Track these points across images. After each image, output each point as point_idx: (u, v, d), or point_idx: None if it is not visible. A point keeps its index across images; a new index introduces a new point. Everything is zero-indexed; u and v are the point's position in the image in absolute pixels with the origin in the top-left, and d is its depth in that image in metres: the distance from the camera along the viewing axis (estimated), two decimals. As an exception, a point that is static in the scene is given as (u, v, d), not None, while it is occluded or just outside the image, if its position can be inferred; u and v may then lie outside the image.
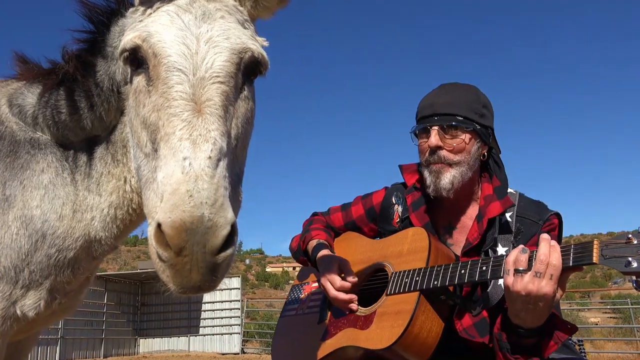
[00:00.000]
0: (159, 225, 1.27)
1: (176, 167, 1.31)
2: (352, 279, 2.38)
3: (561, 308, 2.38)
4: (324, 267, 2.47)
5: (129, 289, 23.38)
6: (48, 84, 1.91)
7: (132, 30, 1.58)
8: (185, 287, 1.32)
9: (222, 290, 22.04)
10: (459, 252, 2.39)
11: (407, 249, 2.39)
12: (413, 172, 2.61)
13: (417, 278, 2.22)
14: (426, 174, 2.42)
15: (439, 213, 2.52)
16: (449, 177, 2.34)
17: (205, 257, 1.27)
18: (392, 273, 2.37)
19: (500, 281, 2.20)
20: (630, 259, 1.75)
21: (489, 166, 2.47)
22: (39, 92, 1.92)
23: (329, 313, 2.59)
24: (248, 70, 1.58)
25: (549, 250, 1.87)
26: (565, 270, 1.87)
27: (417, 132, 2.47)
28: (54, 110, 1.90)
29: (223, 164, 1.36)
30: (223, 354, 21.77)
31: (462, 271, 2.12)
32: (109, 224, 1.91)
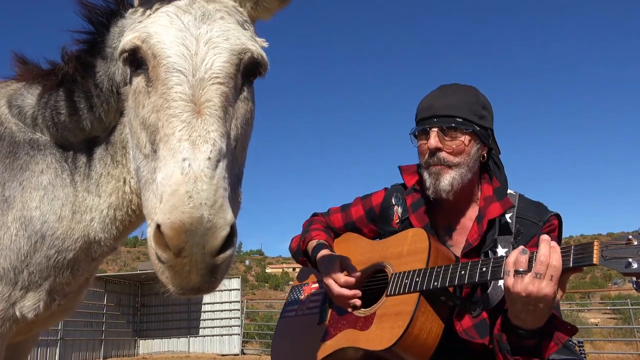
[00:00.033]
0: (158, 227, 1.27)
1: (175, 168, 1.31)
2: (356, 274, 2.38)
3: (561, 309, 2.38)
4: (325, 266, 2.47)
5: (129, 290, 23.35)
6: (47, 85, 1.91)
7: (131, 31, 1.58)
8: (184, 289, 1.31)
9: (221, 291, 22.02)
10: (458, 254, 2.39)
11: (407, 250, 2.39)
12: (413, 173, 2.61)
13: (417, 279, 2.22)
14: (426, 175, 2.42)
15: (439, 214, 2.51)
16: (448, 179, 2.33)
17: (205, 258, 1.26)
18: (392, 274, 2.37)
19: (500, 282, 2.19)
20: (630, 260, 1.75)
21: (488, 167, 2.47)
22: (39, 93, 1.92)
23: (328, 314, 2.59)
24: (247, 71, 1.58)
25: (549, 251, 1.87)
26: (566, 271, 1.87)
27: (417, 133, 2.47)
28: (53, 111, 1.89)
29: (222, 165, 1.36)
30: (223, 355, 21.75)
31: (462, 272, 2.12)
32: (109, 225, 1.91)
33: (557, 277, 1.86)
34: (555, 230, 2.34)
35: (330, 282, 2.39)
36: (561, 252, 1.88)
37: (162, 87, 1.45)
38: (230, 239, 1.30)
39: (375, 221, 2.72)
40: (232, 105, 1.51)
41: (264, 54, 1.61)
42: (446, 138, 2.35)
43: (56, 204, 1.85)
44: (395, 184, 2.74)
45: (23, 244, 1.80)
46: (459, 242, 2.45)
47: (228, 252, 1.30)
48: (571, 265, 1.86)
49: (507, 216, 2.35)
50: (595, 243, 1.85)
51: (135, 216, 1.93)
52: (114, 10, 1.85)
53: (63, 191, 1.87)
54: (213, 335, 22.53)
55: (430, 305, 2.21)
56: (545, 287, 1.85)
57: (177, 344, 23.05)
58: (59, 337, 18.67)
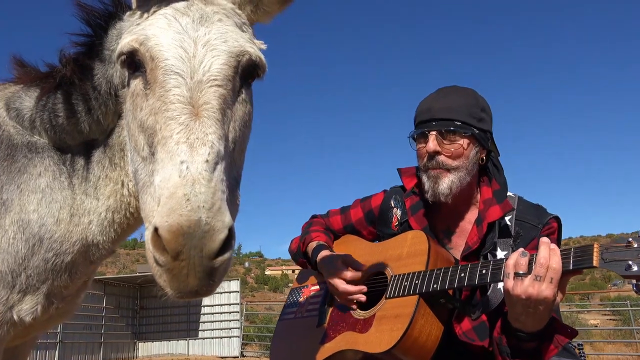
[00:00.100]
0: (155, 230, 1.26)
1: (173, 170, 1.30)
2: (362, 268, 2.38)
3: (561, 310, 2.38)
4: (328, 266, 2.46)
5: (128, 292, 23.32)
6: (45, 87, 1.90)
7: (129, 34, 1.57)
8: (182, 292, 1.31)
9: (221, 293, 21.99)
10: (458, 256, 2.38)
11: (407, 252, 2.38)
12: (412, 175, 2.61)
13: (417, 281, 2.22)
14: (424, 179, 2.41)
15: (438, 217, 2.51)
16: (447, 183, 2.33)
17: (203, 261, 1.26)
18: (392, 276, 2.36)
19: (500, 285, 2.19)
20: (630, 262, 1.75)
21: (488, 170, 2.47)
22: (37, 96, 1.91)
23: (327, 316, 2.59)
24: (246, 74, 1.57)
25: (548, 254, 1.87)
26: (566, 273, 1.87)
27: (415, 136, 2.46)
28: (51, 113, 1.89)
29: (220, 167, 1.35)
30: (222, 358, 21.71)
31: (462, 274, 2.11)
32: (107, 227, 1.91)
33: (557, 280, 1.85)
34: (555, 233, 2.33)
35: (335, 280, 2.39)
36: (561, 254, 1.88)
37: (160, 90, 1.45)
38: (228, 242, 1.29)
39: (375, 223, 2.72)
40: (230, 107, 1.50)
41: (262, 56, 1.61)
42: (445, 141, 2.34)
43: (54, 206, 1.84)
44: (394, 186, 2.74)
45: (21, 247, 1.79)
46: (458, 244, 2.44)
47: (226, 255, 1.30)
48: (571, 267, 1.86)
49: (507, 219, 2.35)
50: (595, 245, 1.84)
51: (133, 219, 1.92)
52: (112, 13, 1.85)
53: (61, 194, 1.87)
54: (212, 338, 22.49)
55: (429, 307, 2.20)
56: (545, 289, 1.84)
57: (176, 347, 23.01)
58: (58, 340, 18.63)
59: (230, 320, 22.26)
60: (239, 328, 21.90)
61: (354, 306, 2.41)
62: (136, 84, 1.55)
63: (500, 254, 2.29)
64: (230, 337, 22.10)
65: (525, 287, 1.86)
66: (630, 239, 1.78)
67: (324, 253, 2.56)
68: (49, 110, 1.89)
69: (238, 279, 23.26)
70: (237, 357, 21.53)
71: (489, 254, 2.30)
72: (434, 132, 2.35)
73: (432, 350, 2.16)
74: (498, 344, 2.10)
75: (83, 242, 1.89)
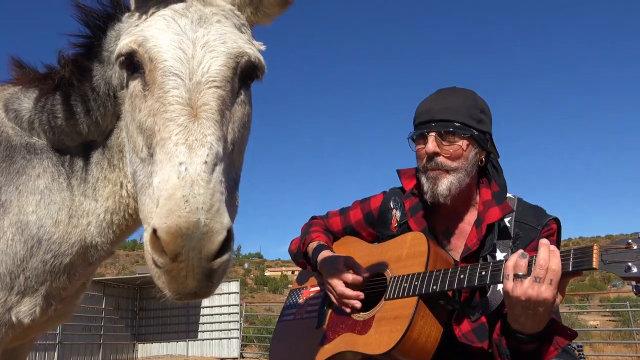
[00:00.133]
0: (154, 231, 1.26)
1: (172, 172, 1.30)
2: (365, 274, 2.38)
3: (560, 311, 2.37)
4: (329, 266, 2.46)
5: (127, 293, 23.29)
6: (44, 88, 1.90)
7: (128, 35, 1.57)
8: (180, 294, 1.30)
9: (220, 294, 21.95)
10: (457, 258, 2.38)
11: (406, 254, 2.38)
12: (411, 177, 2.61)
13: (416, 283, 2.21)
14: (423, 180, 2.41)
15: (437, 218, 2.51)
16: (446, 184, 2.33)
17: (201, 262, 1.26)
18: (391, 278, 2.36)
19: (499, 287, 2.19)
20: (630, 264, 1.74)
21: (487, 171, 2.47)
22: (35, 97, 1.91)
23: (327, 318, 2.58)
24: (245, 75, 1.57)
25: (548, 255, 1.87)
26: (565, 275, 1.87)
27: (415, 138, 2.46)
28: (50, 115, 1.89)
29: (219, 168, 1.35)
30: (222, 359, 21.69)
31: (461, 276, 2.11)
32: (105, 229, 1.90)
33: (557, 281, 1.85)
34: (554, 234, 2.33)
35: (335, 281, 2.38)
36: (560, 256, 1.88)
37: (158, 91, 1.44)
38: (227, 244, 1.29)
39: (374, 225, 2.72)
40: (229, 108, 1.50)
41: (261, 57, 1.61)
42: (444, 142, 2.34)
43: (53, 208, 1.84)
44: (393, 187, 2.74)
45: (19, 249, 1.79)
46: (457, 246, 2.44)
47: (225, 257, 1.30)
48: (570, 269, 1.85)
49: (506, 220, 2.35)
50: (595, 247, 1.84)
51: (132, 220, 1.92)
52: (110, 14, 1.85)
53: (60, 195, 1.86)
54: (212, 339, 22.47)
55: (429, 309, 2.20)
56: (545, 291, 1.84)
57: (175, 348, 22.98)
58: (57, 342, 18.60)
59: (229, 322, 22.23)
60: (238, 329, 21.88)
61: (348, 309, 2.41)
62: (135, 85, 1.55)
63: (499, 255, 2.29)
64: (229, 338, 22.08)
65: (525, 289, 1.86)
66: (630, 241, 1.78)
67: (325, 253, 2.56)
68: (47, 112, 1.89)
69: (237, 280, 23.23)
70: (237, 358, 21.51)
71: (488, 256, 2.30)
72: (433, 133, 2.35)
73: (432, 352, 2.16)
74: (498, 345, 2.09)
75: (82, 243, 1.88)
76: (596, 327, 23.94)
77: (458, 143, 2.33)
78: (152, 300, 23.07)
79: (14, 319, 1.81)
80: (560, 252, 1.89)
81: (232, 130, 1.51)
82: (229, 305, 22.34)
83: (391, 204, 2.65)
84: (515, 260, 1.92)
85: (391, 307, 2.28)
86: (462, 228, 2.45)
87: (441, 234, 2.50)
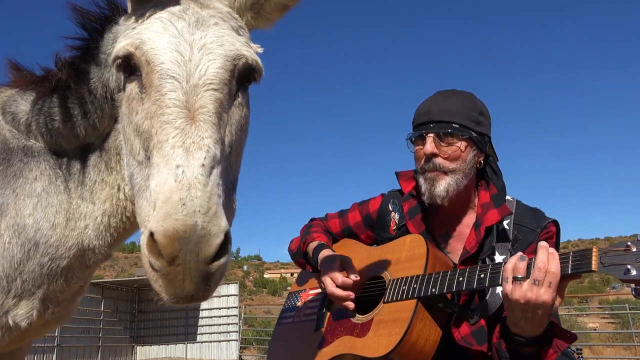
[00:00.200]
0: (151, 234, 1.26)
1: (169, 175, 1.30)
2: (355, 277, 2.36)
3: (559, 313, 2.37)
4: (326, 265, 2.45)
5: (126, 296, 23.28)
6: (41, 91, 1.89)
7: (125, 38, 1.57)
8: (178, 297, 1.30)
9: (219, 297, 21.97)
10: (456, 261, 2.38)
11: (405, 256, 2.38)
12: (409, 179, 2.60)
13: (415, 285, 2.21)
14: (421, 181, 2.41)
15: (436, 221, 2.51)
16: (444, 185, 2.33)
17: (199, 266, 1.25)
18: (390, 280, 2.35)
19: (499, 289, 2.18)
20: (629, 266, 1.74)
21: (486, 174, 2.47)
22: (32, 100, 1.91)
23: (325, 321, 2.57)
24: (242, 77, 1.57)
25: (547, 258, 1.86)
26: (564, 278, 1.86)
27: (413, 139, 2.46)
28: (47, 117, 1.88)
29: (216, 171, 1.35)
30: (221, 361, 21.69)
31: (460, 279, 2.11)
32: (103, 232, 1.90)
33: (556, 284, 1.85)
34: (553, 237, 2.33)
35: (326, 280, 2.38)
36: (560, 258, 1.87)
37: (155, 94, 1.44)
38: (224, 247, 1.28)
39: (373, 227, 2.71)
40: (227, 111, 1.50)
41: (259, 60, 1.60)
42: (442, 144, 2.34)
43: (50, 211, 1.83)
44: (392, 190, 2.74)
45: (16, 252, 1.78)
46: (456, 249, 2.44)
47: (222, 260, 1.29)
48: (569, 271, 1.85)
49: (505, 223, 2.34)
50: (594, 249, 1.84)
51: (129, 223, 1.91)
52: (108, 17, 1.85)
53: (57, 198, 1.86)
54: (211, 341, 22.46)
55: (428, 312, 2.19)
56: (544, 294, 1.83)
57: (174, 350, 22.97)
58: (55, 344, 18.58)
59: (228, 324, 22.23)
60: (237, 331, 21.86)
61: (350, 307, 2.40)
62: (132, 87, 1.54)
63: (498, 258, 2.28)
64: (228, 340, 22.07)
65: (524, 292, 1.85)
66: (629, 243, 1.78)
67: (326, 252, 2.55)
68: (44, 114, 1.88)
69: (236, 283, 23.24)
70: (236, 360, 21.50)
71: (487, 258, 2.29)
72: (432, 134, 2.35)
73: (430, 355, 2.15)
74: (497, 348, 2.09)
75: (79, 246, 1.88)
76: (595, 330, 23.95)
77: (456, 144, 2.33)
78: (150, 303, 23.01)
79: (11, 322, 1.81)
80: (559, 255, 1.88)
81: (230, 133, 1.50)
82: (228, 308, 22.33)
83: (390, 206, 2.65)
84: (514, 263, 1.92)
85: (390, 309, 2.27)
86: (461, 231, 2.45)
87: (440, 237, 2.49)
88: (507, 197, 2.42)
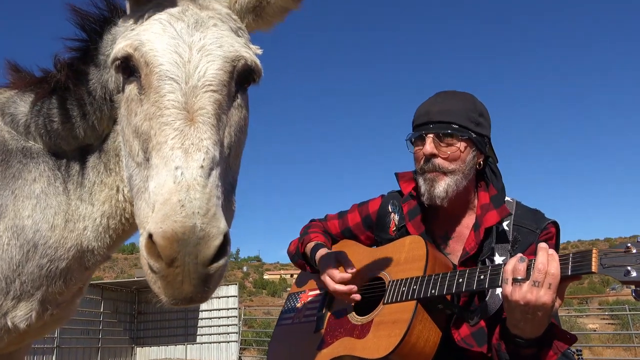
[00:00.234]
0: (150, 236, 1.25)
1: (168, 176, 1.29)
2: (351, 270, 2.37)
3: (559, 314, 2.37)
4: (323, 264, 2.46)
5: (126, 297, 23.25)
6: (40, 92, 1.89)
7: (123, 39, 1.56)
8: (176, 299, 1.29)
9: (219, 298, 21.95)
10: (456, 262, 2.38)
11: (405, 258, 2.37)
12: (409, 180, 2.61)
13: (415, 287, 2.21)
14: (421, 181, 2.41)
15: (435, 222, 2.51)
16: (443, 186, 2.33)
17: (197, 268, 1.25)
18: (389, 281, 2.35)
19: (498, 291, 2.18)
20: (629, 268, 1.73)
21: (485, 175, 2.47)
22: (31, 101, 1.91)
23: (325, 322, 2.57)
24: (241, 79, 1.57)
25: (547, 260, 1.86)
26: (564, 279, 1.86)
27: (413, 139, 2.47)
28: (46, 119, 1.88)
29: (215, 173, 1.35)
30: (220, 363, 21.66)
31: (460, 280, 2.10)
32: (102, 233, 1.89)
33: (556, 286, 1.84)
34: (553, 238, 2.33)
35: (326, 279, 2.39)
36: (559, 260, 1.87)
37: (154, 95, 1.44)
38: (223, 248, 1.28)
39: (372, 228, 2.71)
40: (226, 112, 1.49)
41: (258, 61, 1.60)
42: (442, 144, 2.34)
43: (49, 212, 1.83)
44: (391, 191, 2.74)
45: (15, 253, 1.78)
46: (456, 250, 2.44)
47: (221, 262, 1.29)
48: (569, 273, 1.85)
49: (505, 224, 2.34)
50: (594, 251, 1.83)
51: (128, 225, 1.91)
52: (107, 18, 1.84)
53: (56, 199, 1.85)
54: (210, 343, 22.43)
55: (427, 313, 2.19)
56: (544, 295, 1.83)
57: (174, 352, 22.93)
58: (55, 345, 18.55)
59: (228, 325, 22.21)
60: (237, 333, 21.85)
61: (352, 303, 2.41)
62: (131, 89, 1.54)
63: (498, 259, 2.28)
64: (228, 341, 22.04)
65: (524, 293, 1.85)
66: (629, 244, 1.77)
67: (322, 252, 2.56)
68: (43, 116, 1.88)
69: (236, 284, 23.21)
70: (235, 361, 21.48)
71: (486, 260, 2.29)
72: (431, 135, 2.36)
73: (430, 356, 2.15)
74: (497, 350, 2.09)
75: (78, 248, 1.87)
76: (595, 331, 23.93)
77: (456, 145, 2.33)
78: (150, 304, 23.00)
79: (9, 323, 1.81)
80: (559, 256, 1.88)
81: (229, 134, 1.50)
82: (228, 309, 22.31)
83: (389, 207, 2.65)
84: (514, 264, 1.91)
85: (390, 311, 2.27)
86: (461, 232, 2.45)
87: (439, 238, 2.49)
88: (507, 198, 2.42)
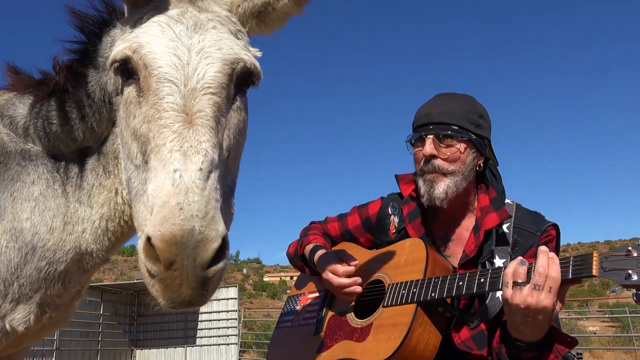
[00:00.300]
0: (148, 239, 1.25)
1: (166, 179, 1.29)
2: (355, 262, 2.38)
3: (559, 317, 2.36)
4: (324, 262, 2.46)
5: (125, 299, 23.24)
6: (39, 94, 1.89)
7: (122, 41, 1.56)
8: (175, 302, 1.29)
9: (219, 300, 21.95)
10: (456, 264, 2.37)
11: (405, 260, 2.37)
12: (409, 182, 2.60)
13: (415, 290, 2.20)
14: (420, 183, 2.41)
15: (435, 224, 2.50)
16: (443, 187, 2.33)
17: (196, 271, 1.24)
18: (389, 284, 2.35)
19: (498, 294, 2.18)
20: (630, 271, 1.73)
21: (485, 177, 2.46)
22: (30, 103, 1.91)
23: (325, 325, 2.57)
24: (240, 81, 1.57)
25: (547, 263, 1.85)
26: (565, 282, 1.85)
27: (413, 141, 2.47)
28: (45, 121, 1.88)
29: (214, 175, 1.34)
30: (220, 365, 21.64)
31: (460, 283, 2.10)
32: (101, 236, 1.89)
33: (556, 289, 1.84)
34: (553, 241, 2.32)
35: (329, 275, 2.38)
36: (560, 263, 1.87)
37: (153, 98, 1.43)
38: (222, 251, 1.28)
39: (372, 231, 2.71)
40: (225, 115, 1.49)
41: (257, 64, 1.60)
42: (442, 145, 2.34)
43: (47, 215, 1.83)
44: (391, 193, 2.74)
45: (13, 256, 1.78)
46: (456, 252, 2.43)
47: (220, 265, 1.28)
48: (570, 276, 1.84)
49: (505, 226, 2.34)
50: (595, 254, 1.83)
51: (127, 227, 1.91)
52: (106, 20, 1.85)
53: (54, 202, 1.85)
54: (210, 345, 22.40)
55: (427, 316, 2.19)
56: (544, 298, 1.83)
57: (174, 354, 22.91)
58: (54, 347, 18.53)
59: (228, 327, 22.19)
60: (236, 335, 21.83)
61: (354, 302, 2.39)
62: (129, 91, 1.54)
63: (498, 262, 2.28)
64: (228, 344, 22.02)
65: (524, 297, 1.85)
66: (630, 248, 1.77)
67: (321, 252, 2.56)
68: (42, 118, 1.88)
69: (236, 286, 23.19)
70: (235, 364, 21.46)
71: (486, 262, 2.29)
72: (431, 136, 2.36)
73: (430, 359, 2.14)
74: (497, 353, 2.08)
75: (77, 250, 1.87)
76: (595, 333, 23.93)
77: (456, 146, 2.33)
78: (150, 306, 22.89)
79: (7, 326, 1.80)
80: (560, 260, 1.88)
81: (228, 137, 1.50)
82: (228, 311, 22.29)
83: (389, 209, 2.65)
84: (514, 268, 1.91)
85: (389, 314, 2.26)
86: (460, 234, 2.44)
87: (439, 240, 2.49)
88: (507, 201, 2.41)
